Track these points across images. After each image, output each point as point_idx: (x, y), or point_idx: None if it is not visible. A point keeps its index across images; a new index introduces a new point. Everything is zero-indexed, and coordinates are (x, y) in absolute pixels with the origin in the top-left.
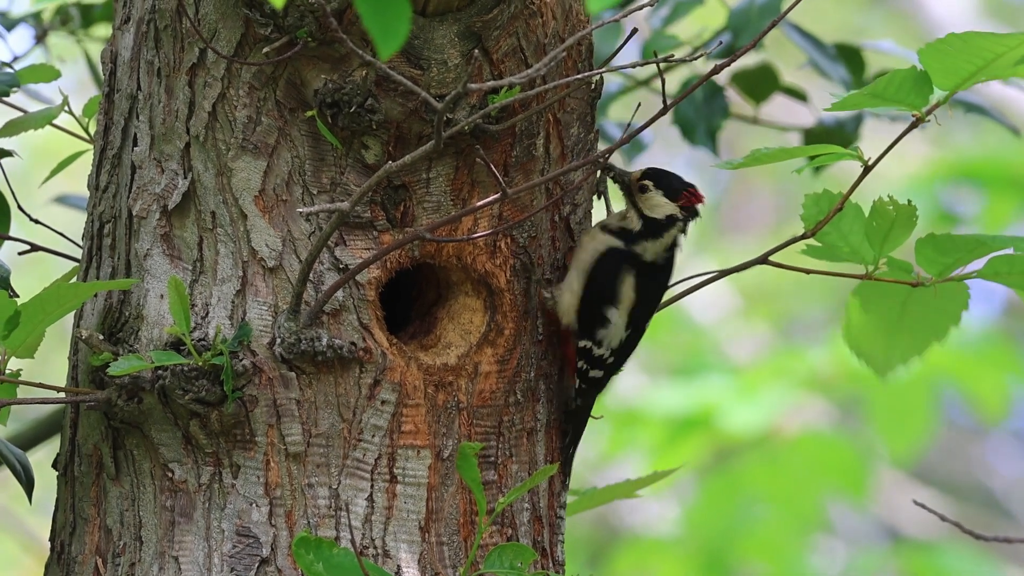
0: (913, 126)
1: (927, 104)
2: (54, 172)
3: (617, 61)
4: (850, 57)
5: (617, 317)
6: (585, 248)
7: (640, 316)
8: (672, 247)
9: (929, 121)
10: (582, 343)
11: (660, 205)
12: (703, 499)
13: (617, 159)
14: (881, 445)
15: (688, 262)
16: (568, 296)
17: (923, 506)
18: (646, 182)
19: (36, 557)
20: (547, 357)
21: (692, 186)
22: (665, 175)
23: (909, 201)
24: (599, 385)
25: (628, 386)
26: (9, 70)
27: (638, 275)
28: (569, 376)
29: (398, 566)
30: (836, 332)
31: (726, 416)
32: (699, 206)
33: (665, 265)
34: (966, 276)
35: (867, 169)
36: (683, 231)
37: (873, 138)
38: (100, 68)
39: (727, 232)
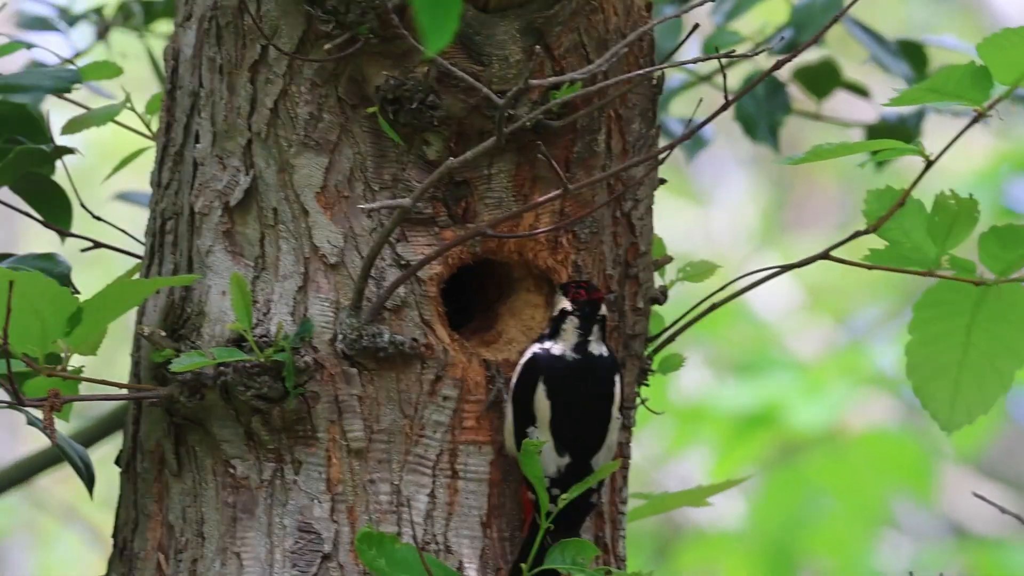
0: (975, 121)
1: (988, 99)
2: (116, 169)
3: (679, 57)
4: (912, 53)
5: (539, 437)
6: (516, 366)
7: (570, 437)
8: (583, 346)
9: (991, 116)
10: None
11: (557, 303)
12: (768, 495)
13: (678, 154)
14: (946, 441)
15: (751, 258)
16: (505, 423)
17: (982, 497)
18: (557, 288)
19: (101, 553)
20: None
21: (586, 283)
22: (571, 280)
23: (971, 195)
24: (558, 523)
25: (692, 382)
26: (71, 67)
27: (550, 382)
28: (525, 518)
29: (460, 561)
30: (902, 329)
31: (791, 413)
32: (590, 299)
33: (584, 370)
34: None
35: (929, 164)
36: (582, 328)
37: (936, 133)
38: (162, 65)
39: (791, 229)
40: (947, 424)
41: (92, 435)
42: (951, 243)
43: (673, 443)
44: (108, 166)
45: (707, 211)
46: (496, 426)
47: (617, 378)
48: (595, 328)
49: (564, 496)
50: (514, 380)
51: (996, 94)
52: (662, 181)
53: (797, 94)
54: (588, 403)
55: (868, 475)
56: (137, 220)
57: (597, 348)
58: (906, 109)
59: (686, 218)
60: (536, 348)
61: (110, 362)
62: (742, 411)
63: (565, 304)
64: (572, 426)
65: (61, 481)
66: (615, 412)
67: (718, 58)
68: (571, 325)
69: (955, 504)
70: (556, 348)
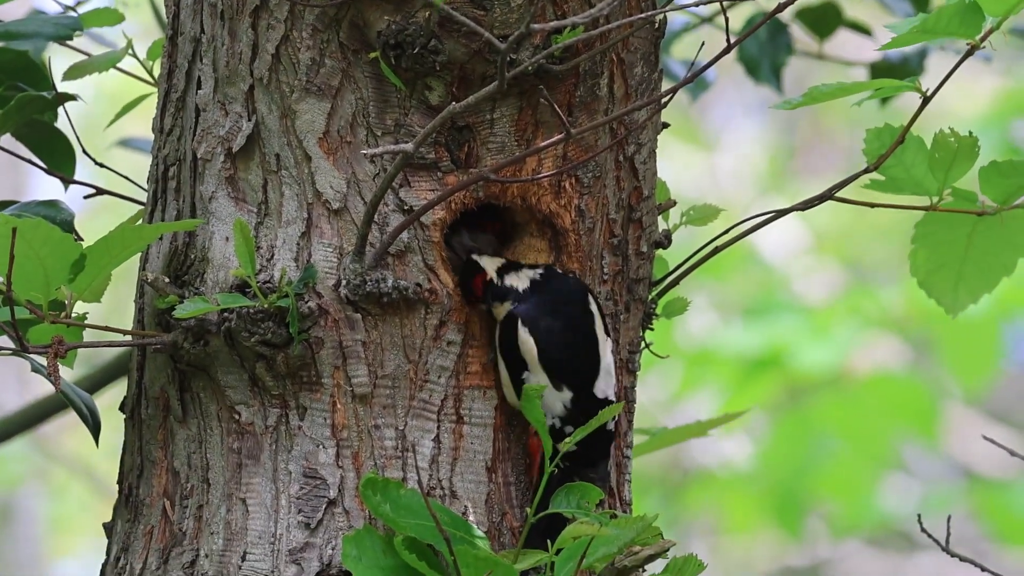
0: (968, 54)
1: (980, 32)
2: (118, 116)
3: None
4: None
5: (535, 380)
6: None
7: (564, 368)
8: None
9: (985, 48)
10: None
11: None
12: (776, 438)
13: (682, 97)
14: (953, 383)
15: (758, 204)
16: (502, 380)
17: (993, 441)
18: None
19: (107, 500)
20: (612, 297)
21: (472, 274)
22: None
23: (970, 132)
24: (579, 461)
25: (699, 326)
26: (73, 14)
27: (526, 321)
28: (535, 468)
29: (465, 506)
30: (908, 271)
31: (798, 355)
32: (486, 283)
33: (551, 298)
34: None
35: (926, 100)
36: (498, 300)
37: (942, 73)
38: (163, 11)
39: (800, 174)
40: (952, 307)
41: (96, 381)
42: (952, 178)
43: (680, 387)
44: (111, 113)
45: (714, 157)
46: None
47: (590, 297)
48: (508, 281)
49: (566, 441)
50: (499, 337)
51: (987, 26)
52: (665, 125)
53: (799, 34)
54: (569, 325)
55: (875, 418)
56: (140, 167)
57: (530, 274)
58: (909, 47)
59: (693, 164)
60: (509, 303)
61: (123, 311)
62: (749, 354)
63: (496, 290)
64: (562, 355)
65: (70, 429)
66: (600, 331)
67: (720, 0)
68: (515, 279)
69: (962, 446)
70: (516, 294)
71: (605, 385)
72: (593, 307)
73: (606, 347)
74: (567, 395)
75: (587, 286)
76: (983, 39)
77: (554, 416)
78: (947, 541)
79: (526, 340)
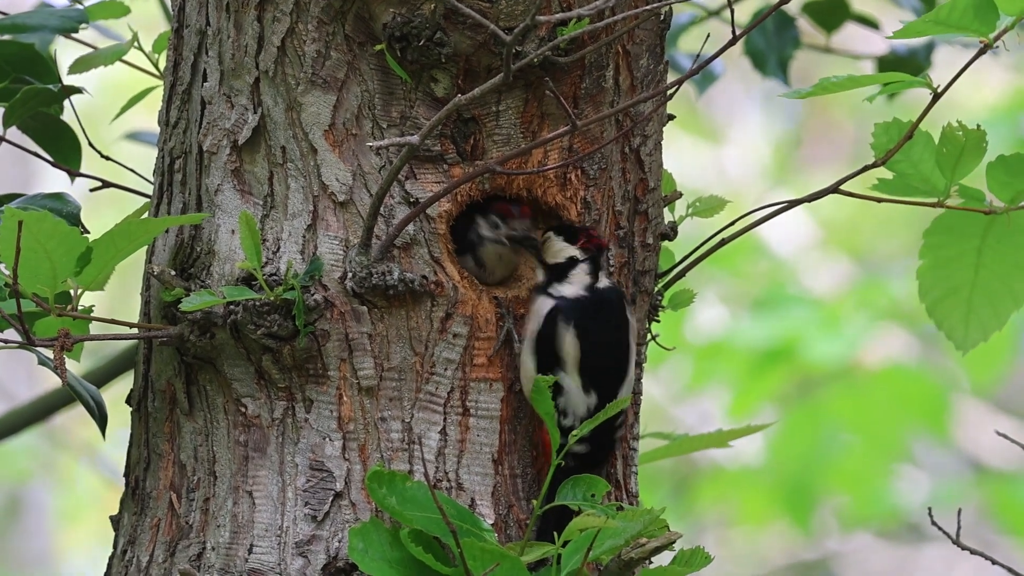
0: (981, 52)
1: (994, 30)
2: (124, 108)
3: None
4: None
5: (568, 381)
6: (531, 315)
7: (596, 374)
8: (593, 286)
9: (998, 47)
10: None
11: (561, 249)
12: (786, 431)
13: (688, 90)
14: (963, 375)
15: (766, 195)
16: (522, 370)
17: (1006, 436)
18: (548, 233)
19: (116, 493)
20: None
21: (589, 229)
22: (567, 226)
23: (978, 126)
24: (585, 462)
25: (709, 319)
26: (79, 6)
27: (578, 326)
28: (544, 460)
29: (472, 499)
30: (916, 263)
31: (808, 348)
32: (598, 246)
33: (600, 306)
34: None
35: (936, 96)
36: (591, 272)
37: (950, 66)
38: (169, 4)
39: (807, 165)
40: (962, 343)
41: (103, 374)
42: (960, 173)
43: (691, 380)
44: (116, 106)
45: (721, 148)
46: (507, 363)
47: (627, 304)
48: (600, 272)
49: (575, 433)
50: (536, 329)
51: (1002, 25)
52: (671, 117)
53: (807, 28)
54: (609, 337)
55: (885, 410)
56: (146, 160)
57: (602, 283)
58: (916, 41)
59: (700, 156)
60: (550, 297)
61: (125, 302)
62: (759, 347)
63: (574, 252)
64: (598, 363)
65: (81, 421)
66: (632, 341)
67: None
68: (581, 271)
69: (972, 439)
70: (570, 291)
71: (625, 393)
72: (629, 314)
73: (633, 357)
74: (593, 399)
75: (623, 293)
76: (997, 38)
77: (576, 417)
78: (957, 534)
79: (570, 341)
